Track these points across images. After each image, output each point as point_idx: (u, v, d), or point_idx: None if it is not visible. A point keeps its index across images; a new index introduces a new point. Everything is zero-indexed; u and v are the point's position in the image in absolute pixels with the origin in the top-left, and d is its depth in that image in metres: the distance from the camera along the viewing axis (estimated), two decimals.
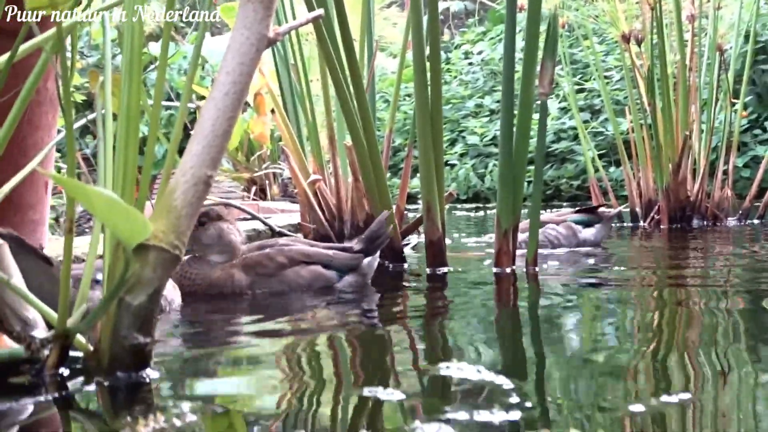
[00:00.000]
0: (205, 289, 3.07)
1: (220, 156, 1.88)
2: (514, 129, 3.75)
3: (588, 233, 5.04)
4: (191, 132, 1.91)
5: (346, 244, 3.38)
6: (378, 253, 3.36)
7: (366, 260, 3.31)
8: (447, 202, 4.11)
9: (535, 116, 6.92)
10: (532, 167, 3.95)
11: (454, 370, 1.77)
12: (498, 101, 16.07)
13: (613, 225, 5.93)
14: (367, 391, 1.64)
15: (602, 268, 4.03)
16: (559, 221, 5.06)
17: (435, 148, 3.86)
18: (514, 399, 1.55)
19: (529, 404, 1.52)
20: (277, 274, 3.10)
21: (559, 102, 15.21)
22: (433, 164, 3.86)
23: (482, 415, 1.43)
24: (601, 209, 5.19)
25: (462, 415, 1.43)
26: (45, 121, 2.91)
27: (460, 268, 3.98)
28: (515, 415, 1.45)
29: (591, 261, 4.32)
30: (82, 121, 2.83)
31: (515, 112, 3.77)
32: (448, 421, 1.40)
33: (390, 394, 1.61)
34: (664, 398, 1.55)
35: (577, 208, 5.34)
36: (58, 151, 8.60)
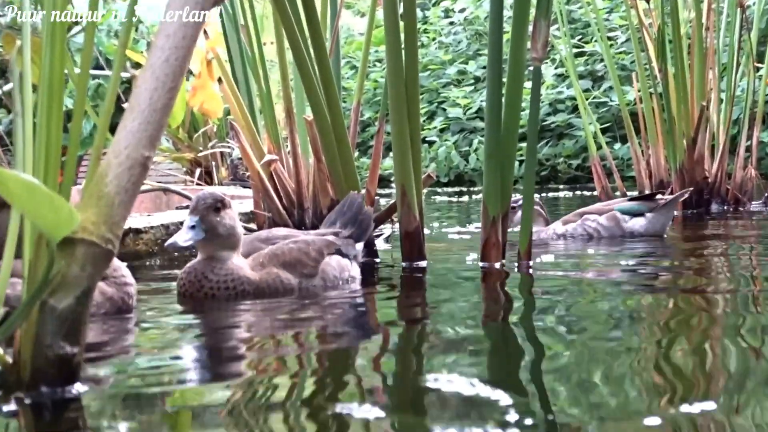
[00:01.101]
0: (253, 295, 3.06)
1: (159, 134, 1.88)
2: (503, 99, 3.77)
3: (636, 223, 5.08)
4: (124, 105, 1.91)
5: (332, 229, 3.53)
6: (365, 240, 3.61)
7: (359, 246, 3.57)
8: (425, 185, 4.13)
9: (527, 85, 6.95)
10: (523, 144, 3.97)
11: (443, 383, 1.78)
12: (484, 67, 16.10)
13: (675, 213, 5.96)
14: (339, 408, 1.65)
15: (605, 261, 4.06)
16: (606, 210, 5.12)
17: (411, 123, 3.87)
18: (512, 416, 1.57)
19: (529, 422, 1.53)
20: (317, 271, 3.23)
21: (555, 68, 15.27)
22: (409, 141, 3.87)
23: None
24: (659, 196, 5.24)
25: None
26: None
27: (440, 262, 4.00)
28: None
29: (586, 252, 4.35)
30: (8, 86, 2.82)
31: (504, 79, 3.79)
32: None
33: (366, 412, 1.62)
34: (673, 410, 1.58)
35: (630, 196, 5.40)
36: None
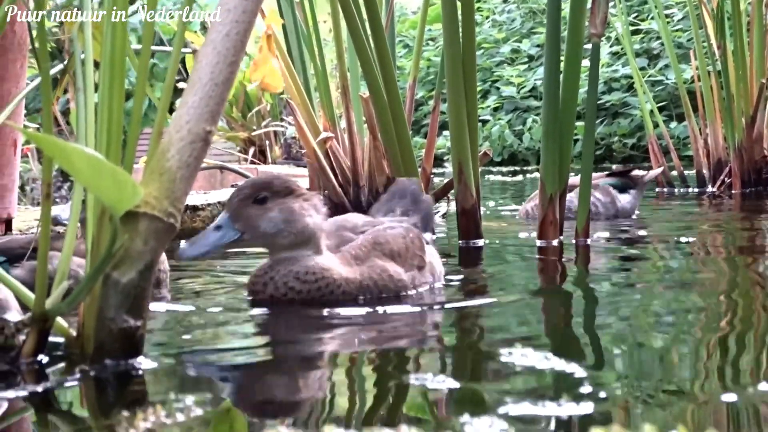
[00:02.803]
0: (356, 297, 2.51)
1: (220, 108, 1.89)
2: (561, 77, 3.74)
3: (625, 200, 5.04)
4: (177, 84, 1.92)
5: (394, 217, 2.94)
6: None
7: (426, 237, 2.97)
8: (482, 163, 4.11)
9: (584, 63, 6.88)
10: (580, 123, 3.94)
11: (517, 356, 1.78)
12: (538, 46, 16.03)
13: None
14: (413, 379, 1.66)
15: (660, 240, 4.03)
16: (593, 186, 5.06)
17: (468, 100, 3.85)
18: (586, 388, 1.56)
19: (603, 395, 1.53)
20: (425, 263, 2.69)
21: (611, 46, 15.13)
22: (466, 119, 3.85)
23: (548, 408, 1.44)
24: (636, 172, 5.19)
25: (524, 408, 1.45)
26: (12, 70, 2.93)
27: (497, 240, 3.99)
28: (587, 407, 1.46)
29: (642, 233, 4.32)
30: (59, 68, 2.84)
31: (561, 57, 3.76)
32: (504, 415, 1.41)
33: (440, 383, 1.62)
34: (750, 387, 1.56)
35: (608, 172, 5.36)
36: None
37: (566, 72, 3.73)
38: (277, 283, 2.44)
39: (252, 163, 10.46)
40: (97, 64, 2.07)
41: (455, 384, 1.61)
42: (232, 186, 5.94)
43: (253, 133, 11.57)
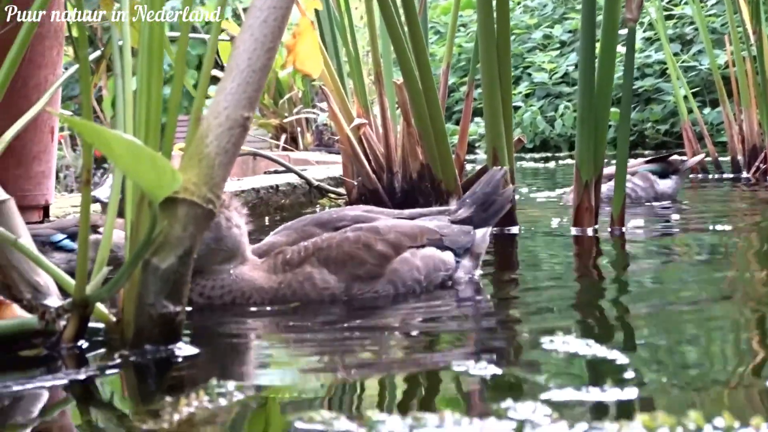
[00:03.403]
0: (266, 302, 2.33)
1: (258, 95, 1.89)
2: (596, 62, 3.72)
3: (665, 185, 5.03)
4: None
5: (440, 207, 2.76)
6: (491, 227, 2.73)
7: (480, 234, 2.64)
8: (516, 149, 4.10)
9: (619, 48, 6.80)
10: (614, 109, 3.92)
11: (558, 343, 1.78)
12: (570, 31, 15.94)
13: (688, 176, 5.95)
14: (456, 365, 1.66)
15: (696, 226, 4.01)
16: (632, 172, 5.06)
17: (502, 86, 3.84)
18: (629, 374, 1.56)
19: (646, 381, 1.52)
20: (383, 271, 2.41)
21: (644, 31, 15.04)
22: (500, 104, 3.84)
23: (591, 393, 1.44)
24: (674, 158, 5.18)
25: (567, 394, 1.45)
26: (49, 57, 2.94)
27: (531, 227, 3.99)
28: (631, 393, 1.45)
29: (678, 219, 4.29)
30: (95, 54, 2.85)
31: (597, 42, 3.74)
32: (547, 401, 1.40)
33: (482, 369, 1.62)
34: None
35: (647, 159, 5.35)
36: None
37: (601, 58, 3.71)
38: (193, 291, 2.27)
39: (284, 149, 10.48)
40: (134, 51, 2.08)
41: (497, 370, 1.61)
42: (265, 173, 5.97)
43: (285, 120, 11.59)
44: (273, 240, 2.50)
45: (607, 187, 4.24)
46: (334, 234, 2.43)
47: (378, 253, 2.40)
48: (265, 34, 1.88)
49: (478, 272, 2.66)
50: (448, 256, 2.53)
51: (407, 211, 2.68)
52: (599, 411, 1.38)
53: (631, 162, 5.40)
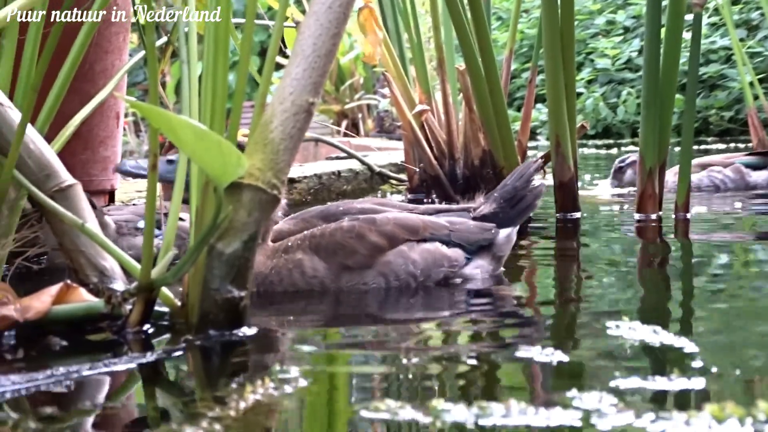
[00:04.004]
0: (257, 287, 2.29)
1: (323, 80, 1.89)
2: (661, 48, 3.67)
3: (760, 176, 4.98)
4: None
5: (466, 204, 2.61)
6: (518, 226, 2.55)
7: (503, 233, 2.48)
8: (579, 136, 4.06)
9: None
10: (678, 96, 3.86)
11: (624, 329, 1.76)
12: (633, 17, 15.77)
13: None
14: (521, 353, 1.65)
15: (762, 213, 3.95)
16: (727, 164, 5.02)
17: (566, 72, 3.80)
18: (697, 365, 1.54)
19: (715, 372, 1.50)
20: (373, 262, 2.34)
21: (708, 17, 14.86)
22: (564, 91, 3.81)
23: (657, 382, 1.42)
24: None
25: (633, 382, 1.43)
26: (115, 43, 2.96)
27: (594, 213, 3.96)
28: (697, 384, 1.43)
29: (743, 207, 4.23)
30: (162, 40, 2.87)
31: (662, 27, 3.69)
32: (613, 389, 1.39)
33: (549, 355, 1.61)
34: None
35: (747, 153, 5.33)
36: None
37: (667, 44, 3.66)
38: None
39: (345, 135, 10.49)
40: (200, 38, 2.09)
41: (562, 357, 1.60)
42: (327, 159, 5.98)
43: (346, 106, 11.61)
44: (280, 227, 2.43)
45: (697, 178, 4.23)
46: (332, 223, 2.36)
47: (370, 243, 2.32)
48: (330, 20, 1.88)
49: (501, 270, 2.51)
50: (455, 253, 2.40)
51: (426, 207, 2.57)
52: (666, 400, 1.36)
53: (730, 154, 5.38)
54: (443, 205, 2.62)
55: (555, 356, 1.60)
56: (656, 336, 1.71)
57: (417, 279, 2.35)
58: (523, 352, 1.65)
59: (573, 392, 1.37)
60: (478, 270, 2.44)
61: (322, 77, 1.88)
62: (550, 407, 1.31)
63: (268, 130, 1.82)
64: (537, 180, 2.54)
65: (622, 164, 5.05)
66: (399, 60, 4.93)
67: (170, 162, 2.34)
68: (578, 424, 1.26)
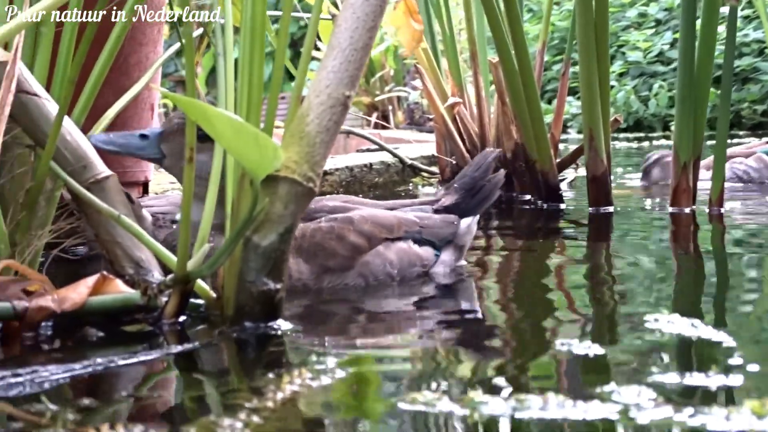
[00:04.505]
0: None
1: (359, 73, 1.89)
2: (696, 41, 3.65)
3: None
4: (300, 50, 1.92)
5: (427, 197, 2.61)
6: (478, 216, 2.54)
7: (464, 224, 2.48)
8: (612, 129, 4.05)
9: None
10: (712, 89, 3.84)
11: (663, 323, 1.76)
12: (666, 10, 15.68)
13: None
14: (559, 345, 1.65)
15: None
16: (748, 153, 4.97)
17: (600, 65, 3.79)
18: (736, 360, 1.53)
19: (754, 368, 1.49)
20: (353, 264, 2.30)
21: (741, 9, 14.76)
22: (597, 84, 3.79)
23: (695, 378, 1.42)
24: None
25: (671, 377, 1.43)
26: (150, 35, 2.97)
27: (627, 207, 3.94)
28: (737, 379, 1.42)
29: None
30: (199, 31, 2.87)
31: (697, 19, 3.67)
32: (651, 384, 1.39)
33: (586, 348, 1.61)
34: None
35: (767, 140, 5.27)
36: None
37: (702, 37, 3.64)
38: None
39: (376, 127, 10.49)
40: (236, 30, 2.09)
41: (600, 350, 1.60)
42: (358, 151, 5.98)
43: (376, 99, 11.61)
44: None
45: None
46: (309, 224, 2.31)
47: (350, 244, 2.29)
48: (367, 12, 1.88)
49: (462, 263, 2.51)
50: (426, 251, 2.40)
51: (389, 202, 2.55)
52: (705, 396, 1.36)
53: (751, 144, 5.34)
54: (407, 200, 2.58)
55: (592, 349, 1.60)
56: (695, 330, 1.70)
57: (394, 279, 2.34)
58: (560, 345, 1.64)
59: (611, 386, 1.37)
60: (442, 266, 2.43)
61: (359, 70, 1.88)
62: (588, 401, 1.31)
63: (304, 122, 1.82)
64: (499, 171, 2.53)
65: (648, 163, 5.03)
66: (432, 52, 4.93)
67: (143, 137, 2.18)
68: (616, 417, 1.25)
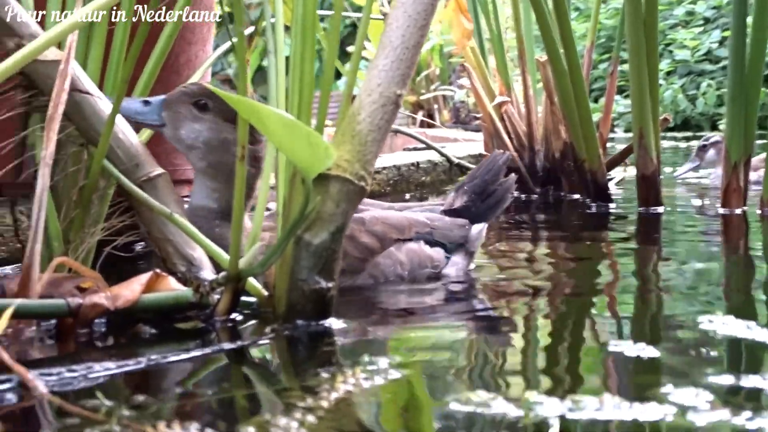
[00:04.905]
0: None
1: (410, 72, 1.89)
2: (747, 39, 3.62)
3: None
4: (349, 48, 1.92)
5: (436, 201, 2.57)
6: (489, 222, 2.50)
7: (475, 229, 2.43)
8: (662, 128, 4.02)
9: None
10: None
11: (717, 324, 1.74)
12: (714, 8, 15.54)
13: None
14: (612, 347, 1.64)
15: None
16: None
17: (649, 63, 3.76)
18: None
19: None
20: (365, 265, 2.27)
21: None
22: (647, 83, 3.77)
23: (751, 380, 1.41)
24: None
25: (726, 379, 1.42)
26: (199, 34, 2.98)
27: (677, 207, 3.91)
28: None
29: None
30: (251, 29, 2.89)
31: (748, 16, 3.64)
32: (707, 386, 1.37)
33: (640, 350, 1.60)
34: None
35: None
36: None
37: (753, 34, 3.60)
38: None
39: (421, 126, 10.48)
40: (286, 28, 2.10)
41: (654, 352, 1.58)
42: (405, 149, 5.98)
43: (422, 97, 11.60)
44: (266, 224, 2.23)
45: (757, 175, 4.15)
46: None
47: (362, 245, 2.25)
48: (418, 11, 1.88)
49: (472, 266, 2.46)
50: (437, 253, 2.36)
51: (398, 204, 2.51)
52: (762, 399, 1.34)
53: None
54: (411, 203, 2.50)
55: (646, 351, 1.59)
56: (749, 331, 1.68)
57: (404, 280, 2.30)
58: (613, 346, 1.63)
59: (666, 388, 1.36)
60: (454, 268, 2.39)
61: (410, 69, 1.88)
62: (643, 402, 1.30)
63: (356, 121, 1.82)
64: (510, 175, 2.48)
65: (706, 143, 4.99)
66: (479, 51, 4.92)
67: (146, 103, 2.16)
68: (673, 419, 1.24)
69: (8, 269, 2.18)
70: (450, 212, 2.43)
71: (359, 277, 2.26)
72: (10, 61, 1.74)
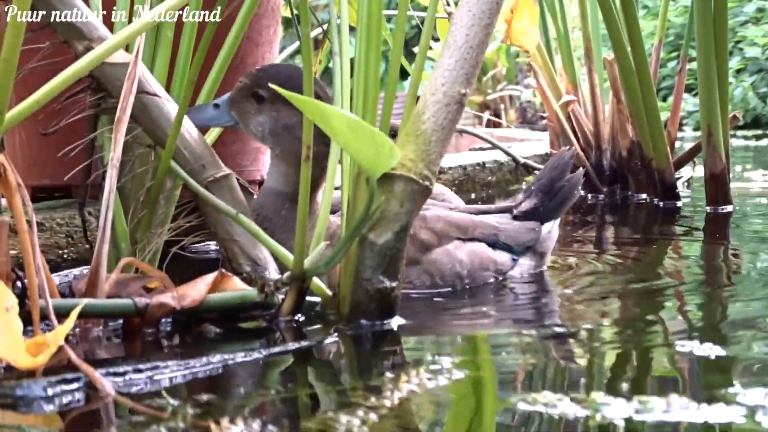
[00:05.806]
0: None
1: (475, 71, 1.88)
2: None
3: None
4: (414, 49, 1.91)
5: (506, 203, 2.50)
6: (559, 219, 2.45)
7: (545, 228, 2.39)
8: (731, 126, 3.97)
9: None
10: None
11: None
12: None
13: None
14: (679, 347, 1.62)
15: None
16: None
17: (719, 60, 3.71)
18: None
19: None
20: (422, 259, 2.21)
21: None
22: (716, 81, 3.71)
23: None
24: None
25: None
26: (266, 36, 2.99)
27: (747, 206, 3.86)
28: None
29: None
30: (317, 31, 2.89)
31: None
32: None
33: (708, 350, 1.58)
34: None
35: None
36: None
37: None
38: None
39: (487, 125, 10.45)
40: (351, 29, 2.10)
41: (722, 352, 1.56)
42: (470, 149, 5.96)
43: (488, 97, 11.56)
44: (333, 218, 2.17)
45: None
46: None
47: (420, 241, 2.19)
48: (483, 10, 1.87)
49: (544, 267, 2.42)
50: (501, 256, 2.30)
51: (468, 206, 2.47)
52: None
53: None
54: (483, 206, 2.50)
55: (714, 351, 1.57)
56: None
57: (463, 281, 2.24)
58: (680, 346, 1.61)
59: (736, 388, 1.34)
60: (519, 269, 2.34)
61: (475, 68, 1.87)
62: (712, 403, 1.28)
63: (420, 121, 1.82)
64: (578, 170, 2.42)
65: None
66: (545, 50, 4.89)
67: (216, 106, 2.18)
68: (742, 421, 1.22)
69: (77, 270, 2.20)
70: (519, 216, 2.38)
71: (413, 271, 2.19)
72: (79, 64, 1.76)
